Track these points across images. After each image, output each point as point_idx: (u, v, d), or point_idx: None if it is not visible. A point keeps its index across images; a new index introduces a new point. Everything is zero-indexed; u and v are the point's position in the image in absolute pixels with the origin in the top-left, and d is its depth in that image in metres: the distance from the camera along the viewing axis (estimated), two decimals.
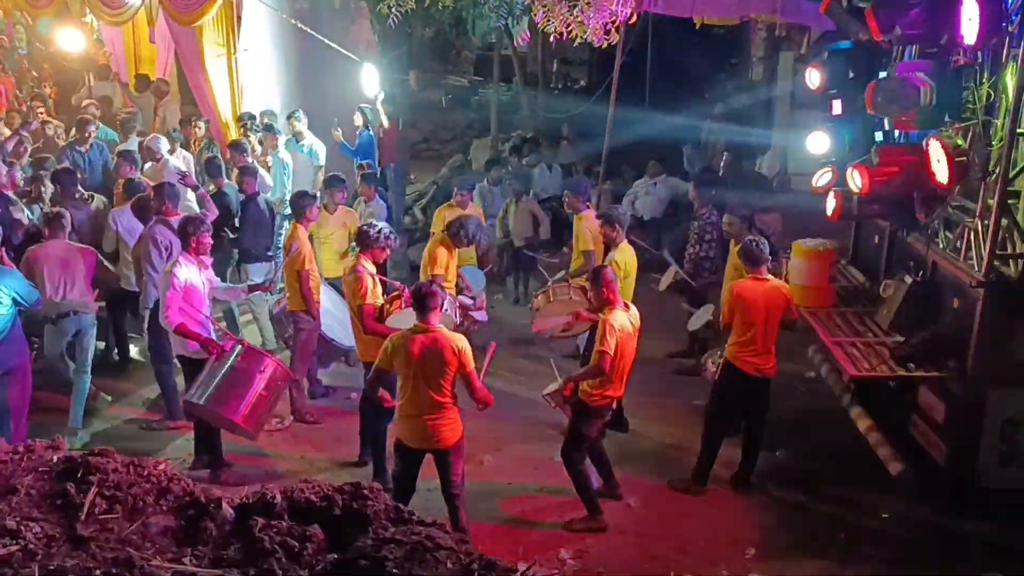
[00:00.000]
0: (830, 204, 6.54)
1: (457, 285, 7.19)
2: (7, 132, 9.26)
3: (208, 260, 6.14)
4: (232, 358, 5.59)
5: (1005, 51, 5.26)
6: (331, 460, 6.41)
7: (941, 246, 5.93)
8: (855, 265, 7.37)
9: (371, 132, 10.32)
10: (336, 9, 11.17)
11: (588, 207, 7.66)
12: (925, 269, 6.05)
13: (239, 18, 10.10)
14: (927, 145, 5.49)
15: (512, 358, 8.25)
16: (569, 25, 8.30)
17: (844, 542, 5.50)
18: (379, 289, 5.99)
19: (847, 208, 6.57)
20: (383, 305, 5.92)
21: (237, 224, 8.00)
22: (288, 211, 7.84)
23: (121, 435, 6.62)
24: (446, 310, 5.19)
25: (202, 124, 10.03)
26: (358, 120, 10.24)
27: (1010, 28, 5.17)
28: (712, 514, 5.80)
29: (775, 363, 5.88)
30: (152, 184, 7.44)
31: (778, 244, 7.54)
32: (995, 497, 5.48)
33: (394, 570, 2.41)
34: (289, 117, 9.64)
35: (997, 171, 5.19)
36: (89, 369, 6.64)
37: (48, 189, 7.57)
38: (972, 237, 5.48)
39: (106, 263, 7.01)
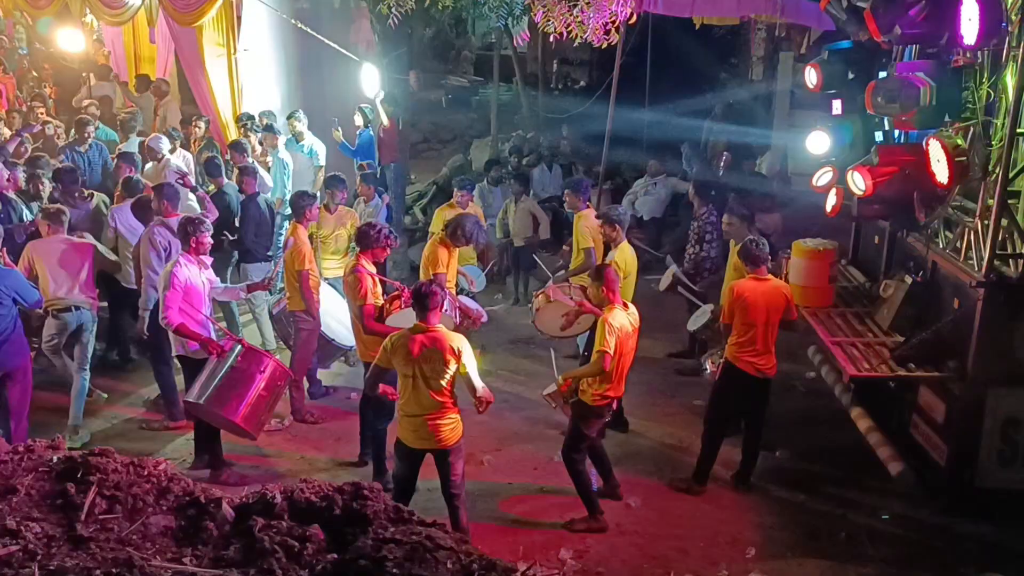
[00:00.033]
0: (830, 201, 6.52)
1: (458, 285, 7.19)
2: (7, 133, 9.27)
3: (208, 260, 6.14)
4: (232, 358, 5.60)
5: (1005, 51, 5.26)
6: (331, 460, 6.42)
7: (941, 246, 5.93)
8: (855, 265, 7.37)
9: (371, 132, 10.33)
10: (336, 9, 11.17)
11: (588, 206, 7.66)
12: (925, 269, 6.05)
13: (239, 18, 10.10)
14: (927, 145, 5.49)
15: (512, 358, 8.26)
16: (569, 25, 8.30)
17: (844, 542, 5.50)
18: (379, 289, 5.99)
19: (847, 207, 6.57)
20: (383, 305, 5.92)
21: (237, 224, 8.00)
22: (288, 211, 7.85)
23: (121, 435, 6.62)
24: (446, 310, 5.19)
25: (202, 124, 10.04)
26: (358, 120, 10.24)
27: (1010, 28, 5.17)
28: (712, 514, 5.80)
29: (775, 363, 5.88)
30: (152, 185, 7.45)
31: (778, 244, 7.54)
32: (995, 497, 5.48)
33: (394, 570, 2.42)
34: (289, 117, 9.65)
35: (997, 171, 5.19)
36: (88, 367, 6.65)
37: (46, 187, 7.57)
38: (972, 237, 5.48)
39: (104, 250, 7.00)
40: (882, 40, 5.91)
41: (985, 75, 5.47)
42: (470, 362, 4.86)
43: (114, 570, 2.40)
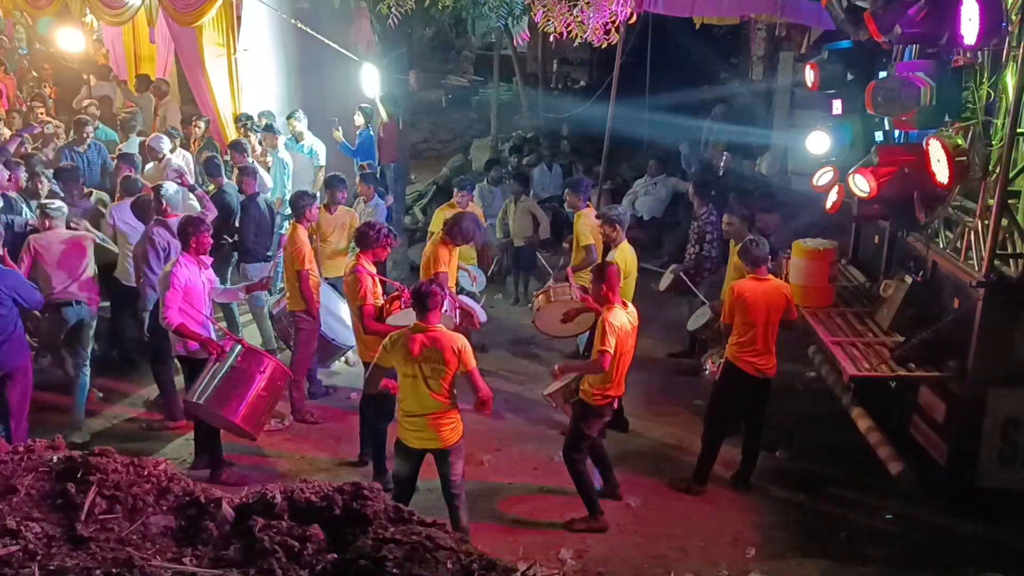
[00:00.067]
0: (831, 198, 6.51)
1: (458, 284, 7.19)
2: (7, 133, 9.27)
3: (208, 260, 6.14)
4: (232, 358, 5.60)
5: (1005, 51, 5.26)
6: (331, 460, 6.42)
7: (941, 246, 5.93)
8: (855, 265, 7.37)
9: (371, 132, 10.33)
10: (336, 9, 11.18)
11: (588, 205, 7.67)
12: (925, 269, 6.05)
13: (239, 18, 10.11)
14: (927, 145, 5.49)
15: (512, 358, 8.26)
16: (569, 25, 8.30)
17: (844, 542, 5.50)
18: (379, 289, 5.99)
19: (847, 205, 6.57)
20: (383, 305, 5.92)
21: (237, 224, 8.00)
22: (288, 211, 7.85)
23: (121, 435, 6.62)
24: (445, 310, 5.19)
25: (202, 124, 10.04)
26: (359, 120, 10.25)
27: (1010, 28, 5.17)
28: (712, 514, 5.80)
29: (775, 363, 5.88)
30: (152, 185, 7.46)
31: (778, 244, 7.54)
32: (995, 497, 5.48)
33: (394, 570, 2.42)
34: (289, 117, 9.65)
35: (997, 171, 5.19)
36: (88, 363, 6.67)
37: (45, 186, 7.59)
38: (972, 237, 5.48)
39: (103, 238, 7.00)
40: (882, 40, 5.92)
41: (985, 75, 5.47)
42: (470, 362, 4.86)
43: (114, 570, 2.40)
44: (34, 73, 12.86)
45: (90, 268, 6.66)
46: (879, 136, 6.65)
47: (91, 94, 11.63)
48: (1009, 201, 5.23)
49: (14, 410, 5.79)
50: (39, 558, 2.42)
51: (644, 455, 6.56)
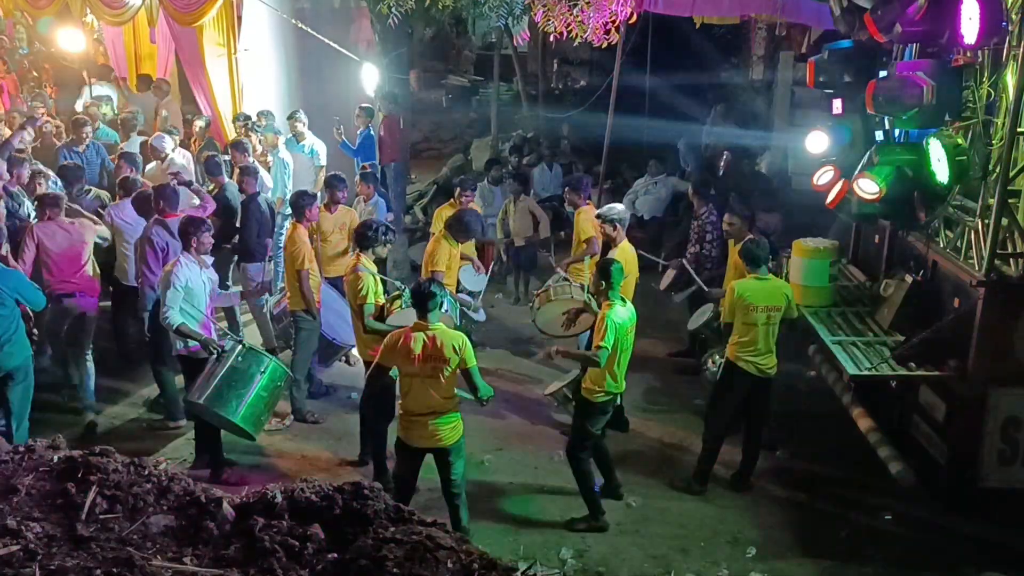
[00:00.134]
0: (832, 192, 6.48)
1: (459, 283, 7.19)
2: (7, 133, 9.26)
3: (208, 260, 6.15)
4: (232, 358, 5.60)
5: (1005, 50, 5.25)
6: (331, 460, 6.42)
7: (941, 245, 5.93)
8: (855, 264, 7.37)
9: (372, 132, 10.33)
10: (336, 9, 11.16)
11: (588, 203, 7.67)
12: (925, 268, 6.05)
13: (239, 18, 10.11)
14: (927, 145, 5.49)
15: (512, 358, 8.26)
16: (569, 25, 8.30)
17: (845, 542, 5.50)
18: (381, 288, 5.99)
19: (848, 205, 6.55)
20: (384, 305, 5.92)
21: (238, 224, 8.01)
22: (288, 211, 7.85)
23: (121, 435, 6.62)
24: (446, 310, 5.19)
25: (200, 122, 10.04)
26: (359, 120, 10.25)
27: (1010, 27, 5.16)
28: (713, 514, 5.80)
29: (776, 363, 5.88)
30: (152, 184, 7.47)
31: (778, 243, 7.54)
32: (996, 497, 5.48)
33: (394, 570, 2.41)
34: (290, 118, 9.65)
35: (997, 170, 5.19)
36: (90, 352, 6.75)
37: (43, 187, 7.61)
38: (972, 236, 5.48)
39: (102, 230, 7.04)
40: (882, 40, 5.92)
41: (985, 74, 5.47)
42: (471, 361, 4.87)
43: (115, 570, 2.40)
44: (34, 73, 12.86)
45: (91, 262, 6.71)
46: (879, 135, 6.65)
47: (91, 94, 11.62)
48: (1009, 200, 5.22)
49: (16, 410, 5.79)
50: (40, 558, 2.42)
51: (644, 455, 6.56)
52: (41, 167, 7.89)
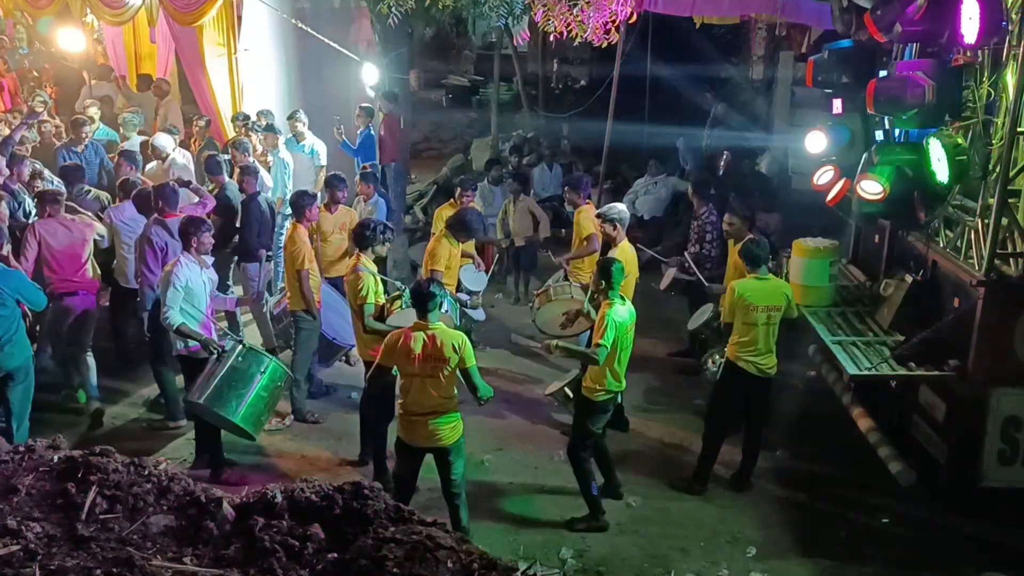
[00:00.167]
0: (834, 190, 6.48)
1: (459, 283, 7.19)
2: (7, 132, 9.27)
3: (209, 260, 6.15)
4: (232, 358, 5.61)
5: (1005, 50, 5.26)
6: (331, 460, 6.42)
7: (941, 245, 5.93)
8: (855, 264, 7.37)
9: (372, 132, 10.34)
10: (336, 9, 11.16)
11: (588, 202, 7.67)
12: (925, 268, 6.05)
13: (239, 18, 10.10)
14: (927, 144, 5.49)
15: (512, 358, 8.26)
16: (569, 24, 8.30)
17: (845, 542, 5.50)
18: (381, 288, 5.99)
19: (848, 205, 6.55)
20: (384, 305, 5.92)
21: (238, 224, 8.01)
22: (288, 211, 7.85)
23: (121, 435, 6.62)
24: (446, 310, 5.19)
25: (201, 123, 10.04)
26: (359, 120, 10.25)
27: (1010, 27, 5.16)
28: (713, 513, 5.80)
29: (776, 363, 5.88)
30: (152, 184, 7.48)
31: (778, 243, 7.53)
32: (996, 496, 5.48)
33: (394, 569, 2.42)
34: (290, 118, 9.65)
35: (997, 170, 5.19)
36: (91, 351, 6.77)
37: (41, 185, 7.64)
38: (972, 236, 5.48)
39: (100, 228, 7.06)
40: (883, 39, 5.92)
41: (985, 74, 5.47)
42: (470, 360, 4.87)
43: (115, 570, 2.40)
44: (35, 73, 12.86)
45: (91, 261, 6.73)
46: (879, 135, 6.65)
47: (91, 94, 11.62)
48: (1009, 200, 5.23)
49: (16, 410, 5.79)
50: (40, 558, 2.43)
51: (645, 455, 6.56)
52: (39, 167, 7.89)
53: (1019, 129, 5.06)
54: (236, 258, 8.11)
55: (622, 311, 5.39)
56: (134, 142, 9.34)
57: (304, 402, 6.95)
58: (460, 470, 5.11)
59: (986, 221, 5.27)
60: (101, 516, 2.65)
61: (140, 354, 7.46)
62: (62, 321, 6.70)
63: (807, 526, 5.67)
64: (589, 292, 6.06)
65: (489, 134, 15.04)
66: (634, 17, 8.80)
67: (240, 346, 5.68)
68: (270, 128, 9.26)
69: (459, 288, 7.21)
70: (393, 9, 8.07)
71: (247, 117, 9.68)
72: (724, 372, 6.01)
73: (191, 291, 5.77)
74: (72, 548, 2.50)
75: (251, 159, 8.55)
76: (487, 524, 5.56)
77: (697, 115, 13.01)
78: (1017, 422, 5.39)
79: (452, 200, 8.12)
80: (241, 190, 7.99)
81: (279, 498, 2.75)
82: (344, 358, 7.73)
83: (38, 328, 6.94)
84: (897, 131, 6.38)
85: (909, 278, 6.09)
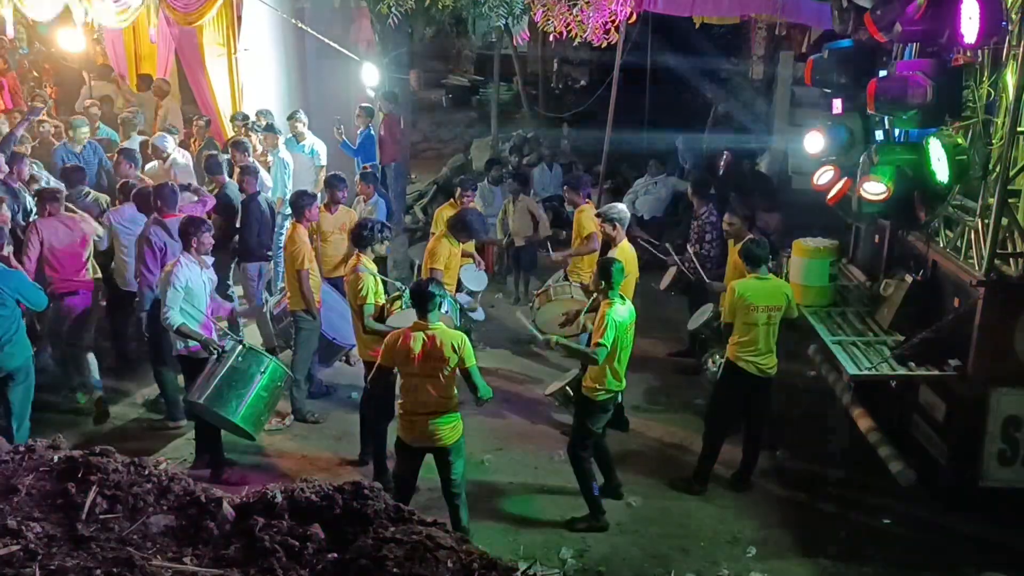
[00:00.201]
0: (834, 190, 6.47)
1: (459, 282, 7.19)
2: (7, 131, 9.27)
3: (209, 260, 6.15)
4: (232, 358, 5.61)
5: (1005, 50, 5.25)
6: (331, 460, 6.42)
7: (941, 245, 5.93)
8: (855, 264, 7.36)
9: (372, 132, 10.34)
10: (336, 9, 11.17)
11: (588, 202, 7.67)
12: (925, 268, 6.04)
13: (239, 18, 10.11)
14: (927, 144, 5.49)
15: (512, 358, 8.26)
16: (569, 24, 8.30)
17: (845, 541, 5.50)
18: (381, 288, 5.99)
19: (848, 204, 6.55)
20: (384, 305, 5.92)
21: (238, 224, 8.01)
22: (288, 211, 7.85)
23: (122, 435, 6.63)
24: (446, 311, 5.19)
25: (202, 122, 10.05)
26: (359, 119, 10.25)
27: (1010, 27, 5.16)
28: (713, 513, 5.80)
29: (776, 363, 5.88)
30: (153, 183, 7.49)
31: (778, 243, 7.53)
32: (996, 496, 5.47)
33: (394, 569, 2.42)
34: (290, 118, 9.65)
35: (997, 170, 5.19)
36: (91, 348, 6.80)
37: (40, 182, 7.66)
38: (972, 236, 5.48)
39: (97, 227, 7.07)
40: (883, 39, 5.92)
41: (985, 74, 5.47)
42: (470, 360, 4.87)
43: (115, 569, 2.40)
44: (35, 73, 12.87)
45: (91, 262, 6.75)
46: (879, 135, 6.65)
47: (91, 94, 11.62)
48: (1009, 200, 5.22)
49: (16, 410, 5.80)
50: (40, 558, 2.43)
51: (645, 454, 6.57)
52: (35, 171, 7.89)
53: (1019, 129, 5.05)
54: (236, 258, 8.11)
55: (622, 311, 5.38)
56: (134, 142, 9.34)
57: (304, 402, 6.95)
58: (460, 470, 5.11)
59: (986, 221, 5.27)
60: (101, 516, 2.65)
61: (140, 354, 7.46)
62: (63, 321, 6.71)
63: (807, 526, 5.67)
64: (587, 305, 6.04)
65: (489, 134, 15.04)
66: (634, 17, 8.80)
67: (240, 346, 5.68)
68: (270, 128, 9.26)
69: (459, 288, 7.21)
70: (393, 9, 8.07)
71: (246, 117, 9.69)
72: (724, 372, 6.01)
73: (191, 291, 5.77)
74: (72, 548, 2.50)
75: (251, 159, 8.55)
76: (487, 524, 5.56)
77: (697, 115, 13.01)
78: (1017, 422, 5.39)
79: (452, 200, 8.12)
80: (241, 190, 7.99)
81: (279, 498, 2.75)
82: (344, 358, 7.73)
83: (38, 327, 6.94)
84: (897, 131, 6.39)
85: (909, 278, 6.08)
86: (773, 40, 13.08)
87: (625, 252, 6.56)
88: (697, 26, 11.33)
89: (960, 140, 5.50)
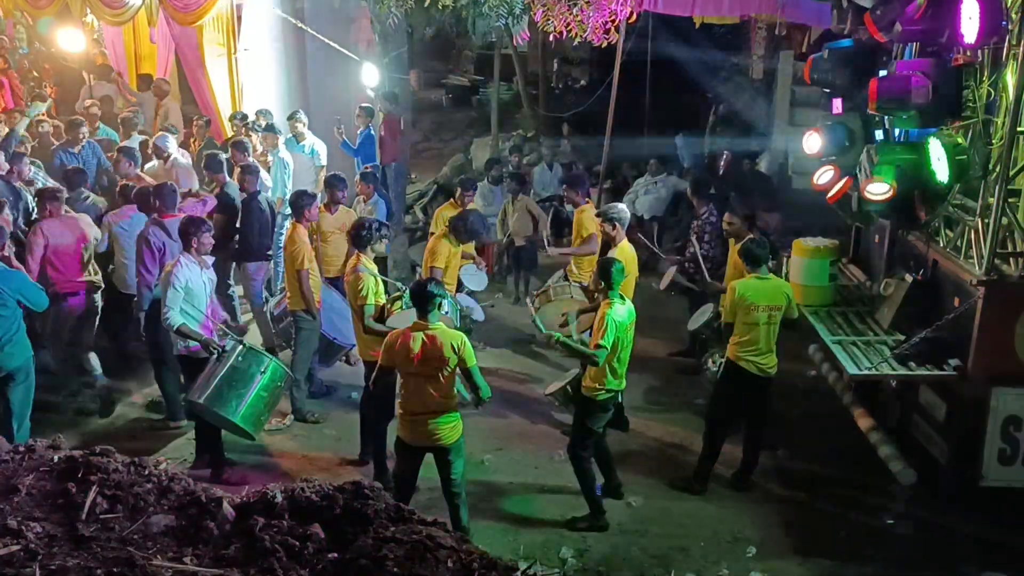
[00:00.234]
0: (835, 188, 6.46)
1: (459, 282, 7.19)
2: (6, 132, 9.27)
3: (209, 260, 6.15)
4: (232, 358, 5.61)
5: (1005, 49, 5.25)
6: (331, 459, 6.42)
7: (942, 244, 5.93)
8: (856, 264, 7.37)
9: (372, 132, 10.34)
10: (336, 9, 11.16)
11: (588, 201, 7.66)
12: (926, 268, 6.05)
13: (239, 18, 10.10)
14: (927, 144, 5.49)
15: (512, 357, 8.26)
16: (569, 24, 8.30)
17: (845, 542, 5.50)
18: (382, 288, 5.99)
19: (848, 203, 6.55)
20: (384, 305, 5.92)
21: (239, 223, 8.01)
22: (288, 211, 7.85)
23: (122, 435, 6.63)
24: (446, 311, 5.20)
25: (202, 122, 10.04)
26: (360, 119, 10.25)
27: (1010, 26, 5.16)
28: (713, 513, 5.80)
29: (777, 362, 5.88)
30: (153, 182, 7.49)
31: (779, 243, 7.53)
32: (996, 496, 5.48)
33: (395, 569, 2.42)
34: (290, 118, 9.65)
35: (997, 169, 5.19)
36: (91, 348, 6.83)
37: (39, 176, 7.66)
38: (973, 235, 5.48)
39: (94, 230, 7.08)
40: (883, 39, 5.92)
41: (985, 73, 5.47)
42: (471, 360, 4.87)
43: (115, 569, 2.40)
44: (35, 73, 12.86)
45: (92, 264, 6.76)
46: (879, 135, 6.65)
47: (92, 94, 11.62)
48: (1009, 200, 5.22)
49: (17, 410, 5.80)
50: (40, 558, 2.43)
51: (645, 454, 6.57)
52: (32, 175, 7.88)
53: (1019, 128, 5.06)
54: (236, 259, 8.10)
55: (621, 311, 5.38)
56: (134, 141, 9.34)
57: (304, 402, 6.95)
58: (460, 470, 5.11)
59: (986, 221, 5.27)
60: (102, 516, 2.65)
61: (140, 354, 7.46)
62: (65, 322, 6.71)
63: (807, 526, 5.67)
64: (575, 313, 6.02)
65: (489, 134, 15.05)
66: (634, 17, 8.80)
67: (240, 346, 5.68)
68: (270, 128, 9.26)
69: (459, 288, 7.21)
70: (393, 9, 8.08)
71: (244, 116, 9.69)
72: (725, 372, 6.01)
73: (191, 291, 5.77)
74: (73, 548, 2.50)
75: (251, 159, 8.55)
76: (487, 524, 5.56)
77: (697, 115, 13.01)
78: (1017, 422, 5.39)
79: (452, 200, 8.12)
80: (242, 189, 7.99)
81: (279, 498, 2.75)
82: (344, 358, 7.73)
83: (39, 325, 6.94)
84: (897, 131, 6.39)
85: (909, 278, 6.09)
86: (773, 40, 13.08)
87: (625, 252, 6.55)
88: (697, 26, 11.34)
89: (960, 140, 5.50)
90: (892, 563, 5.30)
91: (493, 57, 15.75)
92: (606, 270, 5.44)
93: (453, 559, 2.49)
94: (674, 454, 6.57)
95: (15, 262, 6.25)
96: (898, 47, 6.42)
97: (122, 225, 7.13)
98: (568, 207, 8.39)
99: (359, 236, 6.04)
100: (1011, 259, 5.34)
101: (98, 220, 7.29)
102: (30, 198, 7.36)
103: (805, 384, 7.51)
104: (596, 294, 5.60)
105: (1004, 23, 5.09)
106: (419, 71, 17.74)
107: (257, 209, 7.86)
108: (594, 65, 17.13)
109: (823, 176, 6.72)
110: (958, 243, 5.69)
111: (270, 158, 9.11)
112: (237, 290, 8.38)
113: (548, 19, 8.36)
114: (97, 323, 7.06)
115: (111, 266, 7.27)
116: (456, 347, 4.81)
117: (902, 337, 5.83)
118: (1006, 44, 5.23)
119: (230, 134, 9.73)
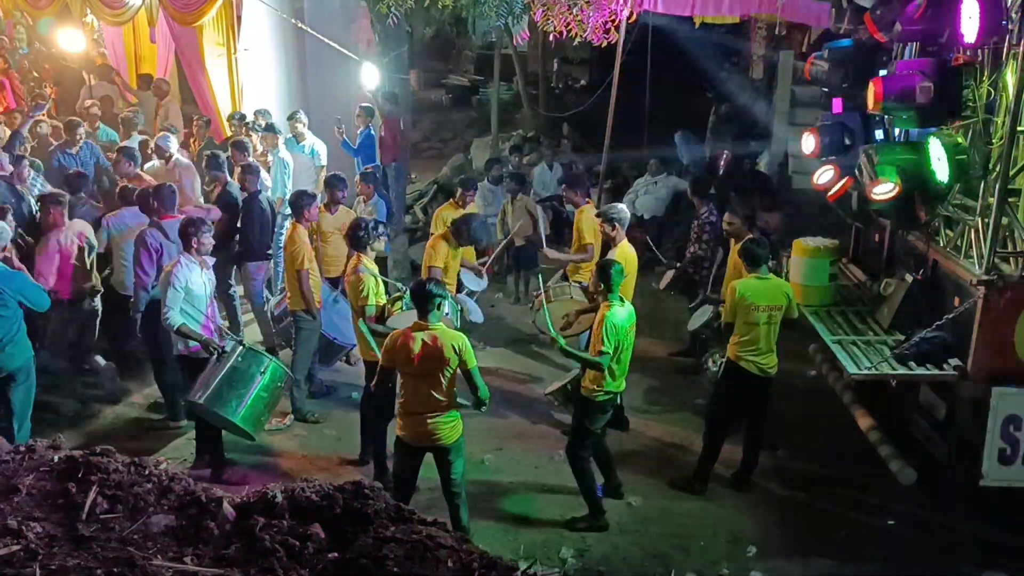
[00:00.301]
0: (835, 187, 6.46)
1: (459, 282, 7.19)
2: (7, 132, 9.27)
3: (209, 260, 6.15)
4: (232, 358, 5.61)
5: (1005, 49, 5.25)
6: (331, 459, 6.42)
7: (942, 244, 5.93)
8: (856, 263, 7.36)
9: (372, 131, 10.34)
10: (336, 9, 11.17)
11: (588, 201, 7.66)
12: (926, 267, 6.04)
13: (239, 18, 10.11)
14: (927, 144, 5.49)
15: (512, 357, 8.26)
16: (569, 24, 8.31)
17: (845, 542, 5.50)
18: (382, 288, 5.99)
19: (848, 203, 6.54)
20: (385, 305, 5.92)
21: (239, 223, 8.01)
22: (288, 211, 7.85)
23: (122, 435, 6.63)
24: (446, 312, 5.20)
25: (202, 122, 10.04)
26: (360, 119, 10.25)
27: (1010, 26, 5.16)
28: (713, 513, 5.80)
29: (777, 362, 5.88)
30: (153, 182, 7.49)
31: (779, 243, 7.53)
32: (996, 495, 5.47)
33: (395, 569, 2.42)
34: (290, 118, 9.65)
35: (997, 169, 5.19)
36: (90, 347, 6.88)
37: (37, 183, 7.66)
38: (972, 235, 5.48)
39: (91, 234, 7.09)
40: (883, 39, 5.92)
41: (985, 73, 5.47)
42: (471, 361, 4.87)
43: (115, 569, 2.40)
44: (35, 73, 12.86)
45: (94, 269, 6.77)
46: (879, 135, 6.65)
47: (92, 94, 11.63)
48: (1009, 199, 5.22)
49: (17, 411, 5.80)
50: (40, 558, 2.43)
51: (645, 454, 6.57)
52: (33, 174, 7.89)
53: (1019, 128, 5.05)
54: (236, 260, 8.10)
55: (621, 313, 5.38)
56: (134, 141, 9.34)
57: (304, 402, 6.95)
58: (460, 469, 5.11)
59: (986, 220, 5.26)
60: (102, 516, 2.65)
61: (140, 354, 7.46)
62: (68, 327, 6.70)
63: (808, 525, 5.67)
64: (561, 326, 6.02)
65: (489, 134, 15.04)
66: (633, 16, 8.80)
67: (240, 346, 5.69)
68: (270, 128, 9.27)
69: (459, 288, 7.21)
70: (393, 9, 8.08)
71: (243, 116, 9.69)
72: (725, 372, 6.01)
73: (191, 292, 5.77)
74: (73, 548, 2.50)
75: (250, 159, 8.55)
76: (487, 524, 5.56)
77: (698, 114, 13.00)
78: (1017, 421, 5.38)
79: (452, 200, 8.12)
80: (242, 189, 7.99)
81: (279, 498, 2.75)
82: (344, 358, 7.74)
83: (39, 323, 6.95)
84: (897, 130, 6.38)
85: (909, 277, 6.08)
86: (773, 40, 13.08)
87: (625, 253, 6.55)
88: (697, 26, 11.33)
89: (960, 140, 5.49)
90: (892, 563, 5.30)
91: (493, 57, 15.76)
92: (605, 272, 5.43)
93: (453, 559, 2.49)
94: (674, 454, 6.58)
95: (16, 262, 6.25)
96: (898, 47, 6.42)
97: (114, 224, 7.12)
98: (568, 207, 8.38)
99: (356, 237, 6.04)
100: (1011, 259, 5.33)
101: (96, 223, 7.30)
102: (31, 200, 7.36)
103: (805, 384, 7.51)
104: (596, 295, 5.60)
105: (1004, 23, 5.09)
106: (419, 71, 17.74)
107: (258, 209, 7.86)
108: (594, 65, 17.13)
109: (823, 176, 6.72)
110: (958, 243, 5.69)
111: (270, 158, 9.11)
112: (238, 290, 8.39)
113: (548, 19, 8.36)
114: (98, 326, 7.07)
115: (108, 268, 7.27)
116: (457, 348, 4.81)
117: (902, 337, 5.83)
118: (1006, 44, 5.23)
119: (229, 134, 9.73)
